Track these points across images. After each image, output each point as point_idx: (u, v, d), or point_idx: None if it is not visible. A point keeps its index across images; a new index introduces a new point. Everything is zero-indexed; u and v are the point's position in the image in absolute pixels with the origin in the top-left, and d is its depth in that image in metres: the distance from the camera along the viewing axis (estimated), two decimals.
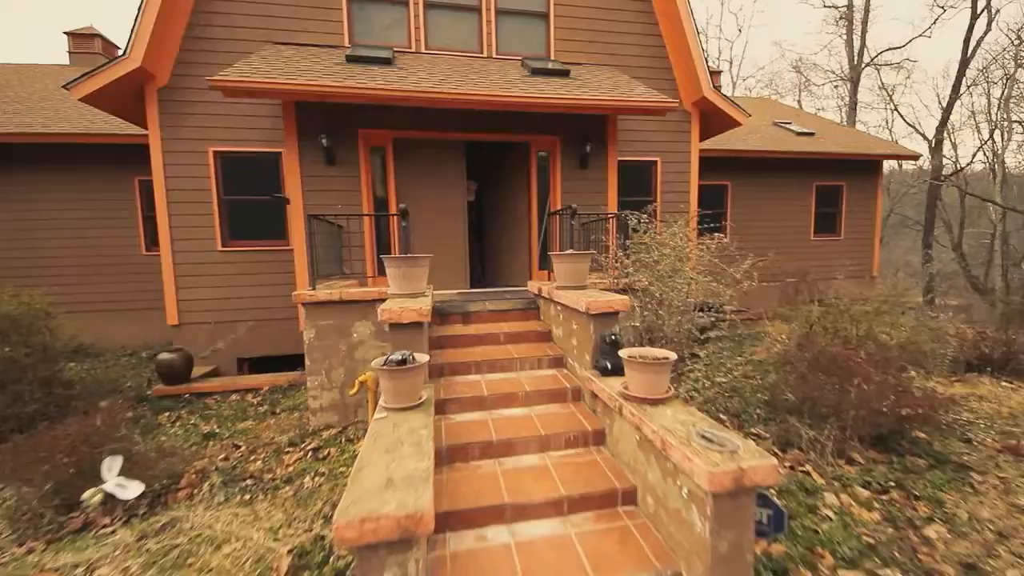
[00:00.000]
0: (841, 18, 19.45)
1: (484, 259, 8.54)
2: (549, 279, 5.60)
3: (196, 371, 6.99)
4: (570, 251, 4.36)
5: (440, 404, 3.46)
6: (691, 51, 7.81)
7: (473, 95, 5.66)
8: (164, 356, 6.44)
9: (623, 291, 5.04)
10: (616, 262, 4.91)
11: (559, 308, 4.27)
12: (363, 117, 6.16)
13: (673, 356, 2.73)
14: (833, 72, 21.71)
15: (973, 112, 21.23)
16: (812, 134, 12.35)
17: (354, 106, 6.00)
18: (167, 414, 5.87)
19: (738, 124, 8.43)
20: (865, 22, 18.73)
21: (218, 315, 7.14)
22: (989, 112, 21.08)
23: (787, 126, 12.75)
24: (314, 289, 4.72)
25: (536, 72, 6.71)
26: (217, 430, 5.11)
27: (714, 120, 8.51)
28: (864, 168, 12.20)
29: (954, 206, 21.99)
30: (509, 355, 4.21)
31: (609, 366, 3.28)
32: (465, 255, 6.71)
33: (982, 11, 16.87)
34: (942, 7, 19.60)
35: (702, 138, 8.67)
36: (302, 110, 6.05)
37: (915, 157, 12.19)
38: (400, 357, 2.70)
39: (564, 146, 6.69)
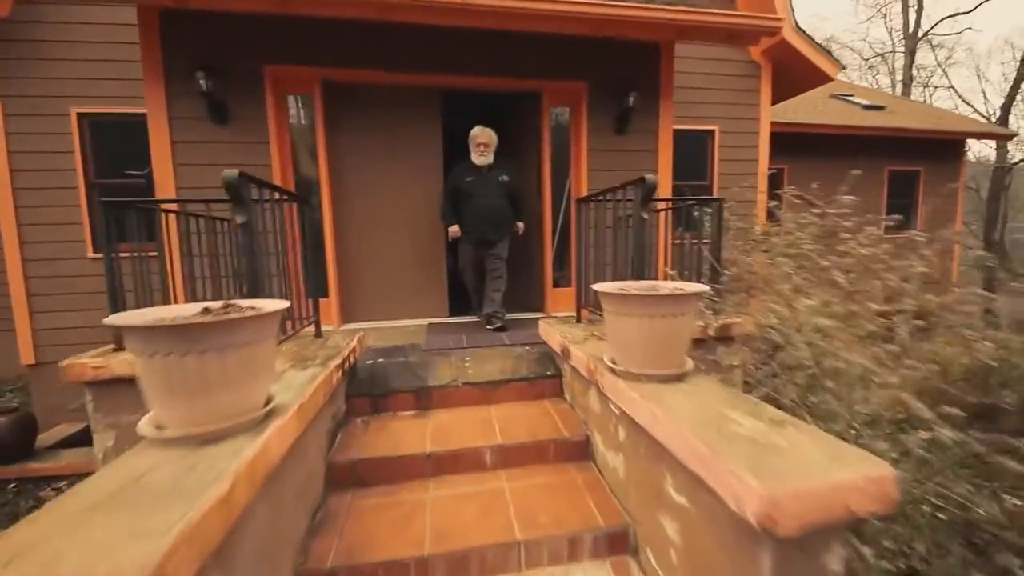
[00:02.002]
0: None
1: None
2: (579, 311, 3.10)
3: (56, 431, 4.63)
4: (649, 286, 1.74)
5: None
6: None
7: None
8: None
9: (721, 338, 2.57)
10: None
11: (619, 418, 1.79)
12: (271, 45, 3.65)
13: None
14: (881, 44, 18.69)
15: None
16: (882, 108, 9.69)
17: (254, 23, 3.52)
18: None
19: (827, 79, 5.86)
20: None
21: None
22: None
23: (849, 98, 10.07)
24: (116, 349, 2.28)
25: None
26: None
27: (792, 74, 5.93)
28: (944, 150, 9.53)
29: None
30: (503, 519, 1.74)
31: None
32: (442, 265, 4.23)
33: None
34: None
35: (772, 101, 6.11)
36: (171, 29, 3.56)
37: (1010, 136, 9.52)
38: None
39: (593, 97, 4.16)
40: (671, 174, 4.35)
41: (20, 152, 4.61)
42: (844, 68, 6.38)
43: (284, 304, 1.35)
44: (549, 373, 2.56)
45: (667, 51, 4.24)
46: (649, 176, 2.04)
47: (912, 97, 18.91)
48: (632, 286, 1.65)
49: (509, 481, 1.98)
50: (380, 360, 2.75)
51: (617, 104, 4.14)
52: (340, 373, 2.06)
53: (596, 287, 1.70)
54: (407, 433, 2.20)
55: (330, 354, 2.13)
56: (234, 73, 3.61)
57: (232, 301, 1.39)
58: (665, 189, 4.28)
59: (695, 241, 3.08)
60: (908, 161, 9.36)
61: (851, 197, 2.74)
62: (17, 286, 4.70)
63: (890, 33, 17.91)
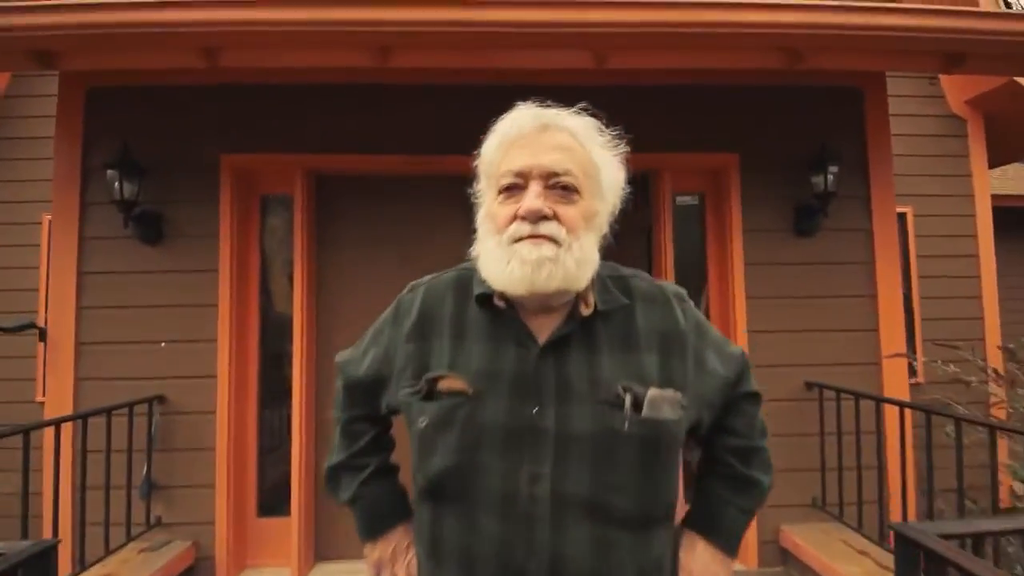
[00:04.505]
0: None
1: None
2: None
3: None
4: None
5: None
6: None
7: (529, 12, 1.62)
8: None
9: None
10: None
11: None
12: (230, 125, 2.30)
13: None
14: None
15: None
16: None
17: (204, 98, 2.22)
18: None
19: None
20: None
21: None
22: None
23: None
24: None
25: None
26: None
27: (1015, 131, 3.88)
28: None
29: None
30: None
31: None
32: None
33: None
34: None
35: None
36: (96, 112, 2.32)
37: None
38: None
39: (752, 177, 2.37)
40: (902, 302, 2.35)
41: None
42: None
43: None
44: None
45: (875, 95, 2.41)
46: None
47: None
48: None
49: None
50: None
51: (797, 187, 2.31)
52: None
53: None
54: None
55: None
56: (176, 167, 2.26)
57: None
58: (898, 332, 2.27)
59: None
60: None
61: None
62: None
63: None
